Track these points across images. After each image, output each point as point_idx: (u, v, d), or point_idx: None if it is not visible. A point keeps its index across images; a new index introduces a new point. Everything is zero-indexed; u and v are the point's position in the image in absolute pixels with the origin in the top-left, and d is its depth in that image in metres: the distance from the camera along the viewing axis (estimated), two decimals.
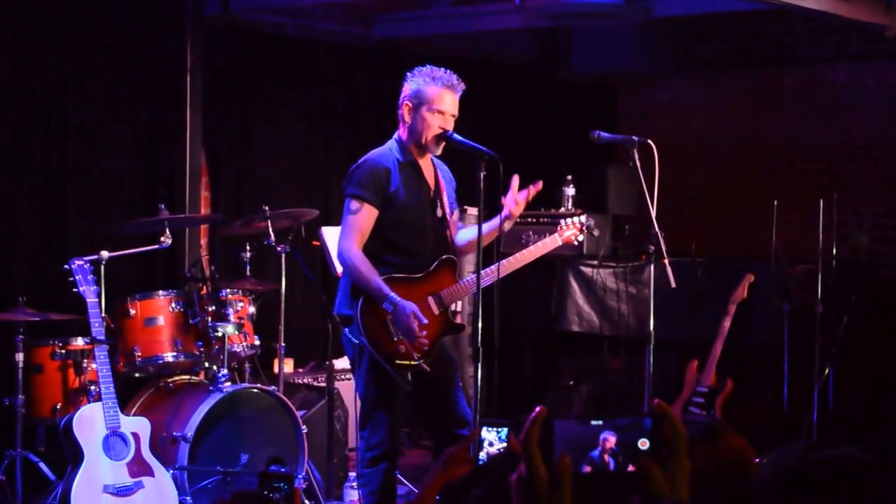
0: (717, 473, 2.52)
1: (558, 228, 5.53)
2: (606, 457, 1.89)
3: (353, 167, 5.26)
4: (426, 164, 5.31)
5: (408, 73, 5.26)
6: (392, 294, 5.03)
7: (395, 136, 5.28)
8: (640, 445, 1.90)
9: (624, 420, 1.91)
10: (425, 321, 5.07)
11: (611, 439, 1.89)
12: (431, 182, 5.31)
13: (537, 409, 1.88)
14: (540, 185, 5.29)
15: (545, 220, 8.14)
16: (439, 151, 5.25)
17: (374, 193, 5.14)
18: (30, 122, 6.87)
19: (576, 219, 5.57)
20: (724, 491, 2.52)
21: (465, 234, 5.48)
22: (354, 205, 5.16)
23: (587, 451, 1.89)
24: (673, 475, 1.88)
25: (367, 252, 5.19)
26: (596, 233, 5.95)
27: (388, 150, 5.26)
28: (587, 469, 1.88)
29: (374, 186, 5.15)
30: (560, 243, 5.48)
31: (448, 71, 5.23)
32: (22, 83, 6.82)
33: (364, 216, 5.14)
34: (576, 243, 5.68)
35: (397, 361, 5.12)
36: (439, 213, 5.32)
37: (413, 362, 5.11)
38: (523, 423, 1.87)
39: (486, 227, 5.12)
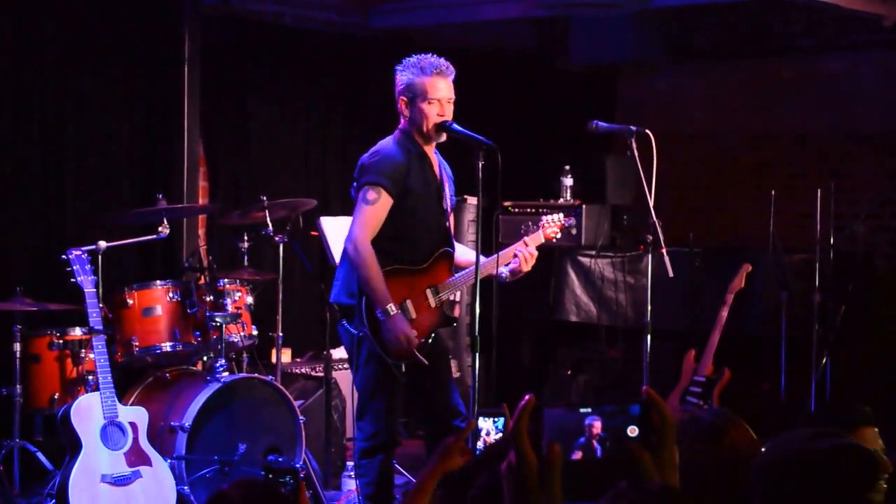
0: (721, 471, 2.51)
1: (540, 225, 5.53)
2: (594, 442, 1.90)
3: (368, 158, 5.19)
4: (431, 154, 5.31)
5: (397, 67, 5.24)
6: (391, 304, 5.01)
7: (399, 128, 5.27)
8: (629, 432, 1.91)
9: (611, 407, 1.91)
10: (415, 339, 5.07)
11: (596, 425, 1.90)
12: (437, 173, 5.32)
13: (526, 397, 1.89)
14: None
15: (543, 210, 8.14)
16: (443, 139, 5.24)
17: (392, 182, 5.10)
18: (27, 111, 6.86)
19: (557, 216, 5.57)
20: (729, 487, 2.51)
21: (461, 251, 5.47)
22: (372, 194, 5.10)
23: (576, 439, 1.89)
24: (661, 462, 1.89)
25: (373, 242, 5.16)
26: (573, 232, 5.96)
27: (395, 141, 5.24)
28: (577, 456, 1.89)
29: (393, 176, 5.11)
30: (542, 240, 5.50)
31: (436, 56, 5.21)
32: (19, 73, 6.81)
33: (381, 206, 5.10)
34: (554, 240, 5.70)
35: (399, 354, 5.11)
36: (443, 204, 5.33)
37: (411, 355, 5.11)
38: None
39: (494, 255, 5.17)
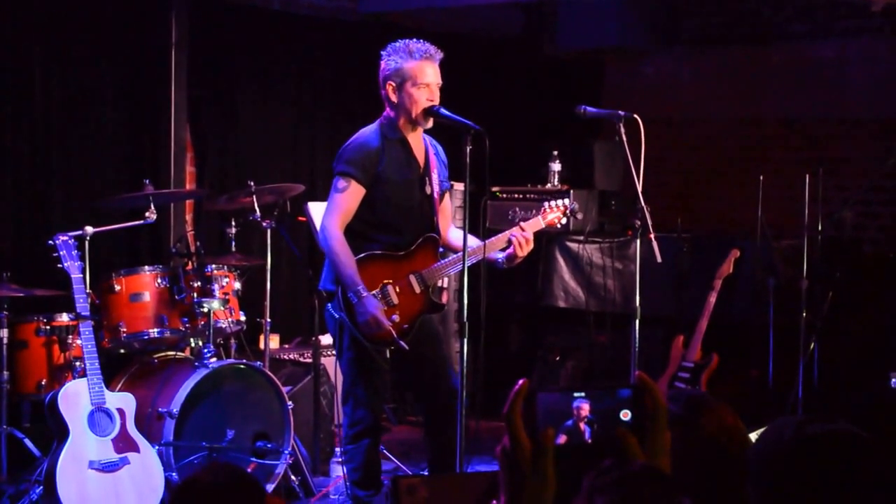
0: (698, 458, 2.50)
1: (542, 210, 5.52)
2: (582, 425, 1.89)
3: (344, 146, 5.24)
4: (416, 140, 5.29)
5: (383, 52, 5.23)
6: (361, 287, 5.01)
7: (383, 114, 5.26)
8: (622, 416, 1.90)
9: (602, 391, 1.91)
10: (387, 325, 5.05)
11: (584, 407, 1.89)
12: (421, 159, 5.30)
13: (520, 381, 1.88)
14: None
15: (531, 196, 8.13)
16: (430, 125, 5.24)
17: (362, 171, 5.13)
18: (13, 97, 6.83)
19: (560, 201, 5.56)
20: (716, 476, 2.50)
21: (455, 235, 5.45)
22: (342, 183, 5.15)
23: (564, 422, 1.89)
24: (653, 447, 1.88)
25: (355, 230, 5.16)
26: (579, 216, 5.94)
27: (376, 128, 5.25)
28: (563, 438, 1.89)
29: (362, 164, 5.13)
30: (543, 226, 5.46)
31: (423, 41, 5.20)
32: (4, 59, 6.78)
33: (351, 194, 5.13)
34: (559, 226, 5.68)
35: (375, 339, 5.10)
36: (427, 190, 5.31)
37: (391, 340, 5.10)
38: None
39: (487, 241, 5.13)
